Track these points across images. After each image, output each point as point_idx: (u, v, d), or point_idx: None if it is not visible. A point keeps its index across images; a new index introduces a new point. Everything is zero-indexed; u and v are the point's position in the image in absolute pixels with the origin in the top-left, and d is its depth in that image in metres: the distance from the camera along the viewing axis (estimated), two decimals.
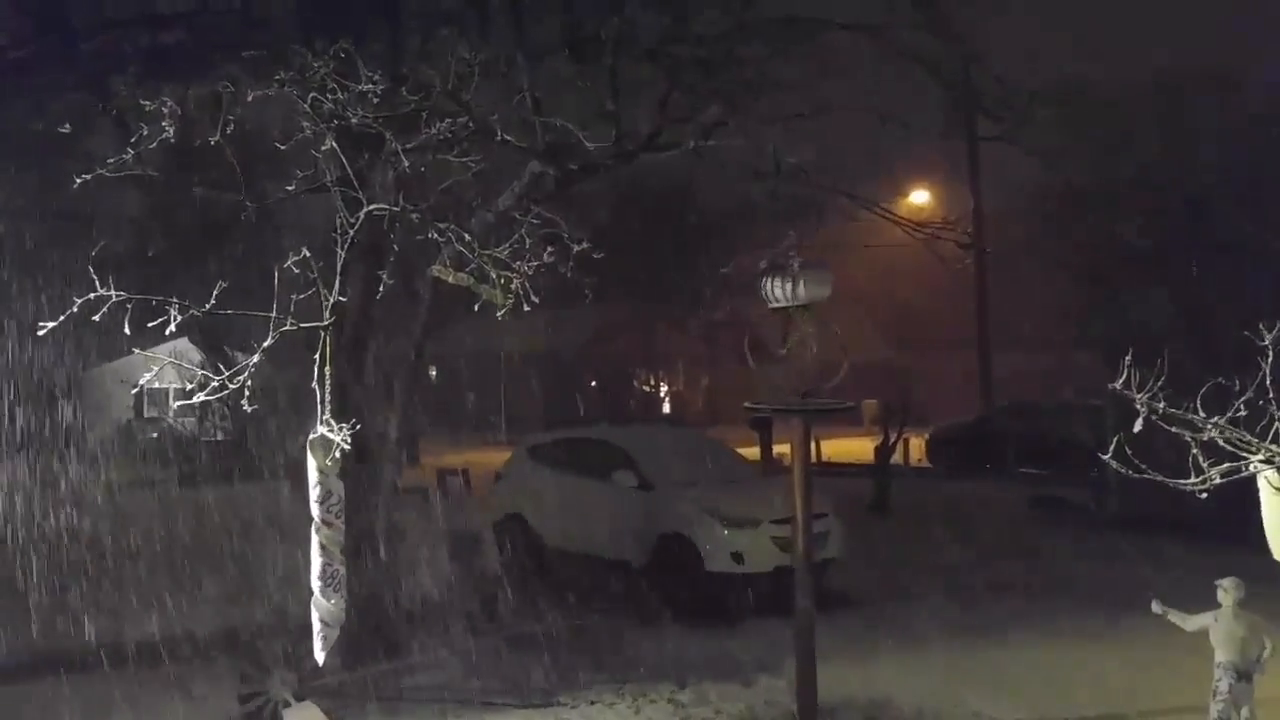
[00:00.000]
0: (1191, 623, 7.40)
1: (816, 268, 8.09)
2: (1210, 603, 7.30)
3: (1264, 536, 5.93)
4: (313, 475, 6.71)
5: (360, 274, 9.39)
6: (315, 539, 6.81)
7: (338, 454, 6.58)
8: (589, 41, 10.44)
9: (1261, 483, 5.75)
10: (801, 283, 7.97)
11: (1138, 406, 5.60)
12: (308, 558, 6.93)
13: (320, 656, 6.86)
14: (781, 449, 19.44)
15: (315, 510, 6.74)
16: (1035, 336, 33.02)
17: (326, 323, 6.77)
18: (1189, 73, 21.15)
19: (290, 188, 8.74)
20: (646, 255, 35.88)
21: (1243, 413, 5.55)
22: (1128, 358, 5.69)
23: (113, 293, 6.34)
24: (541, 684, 9.67)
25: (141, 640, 10.71)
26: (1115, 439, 5.68)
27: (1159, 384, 5.64)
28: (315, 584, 6.79)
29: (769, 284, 8.09)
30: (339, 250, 7.14)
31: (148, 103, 7.99)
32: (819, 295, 8.06)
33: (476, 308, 9.36)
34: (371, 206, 7.69)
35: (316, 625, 6.86)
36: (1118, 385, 5.69)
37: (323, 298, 6.83)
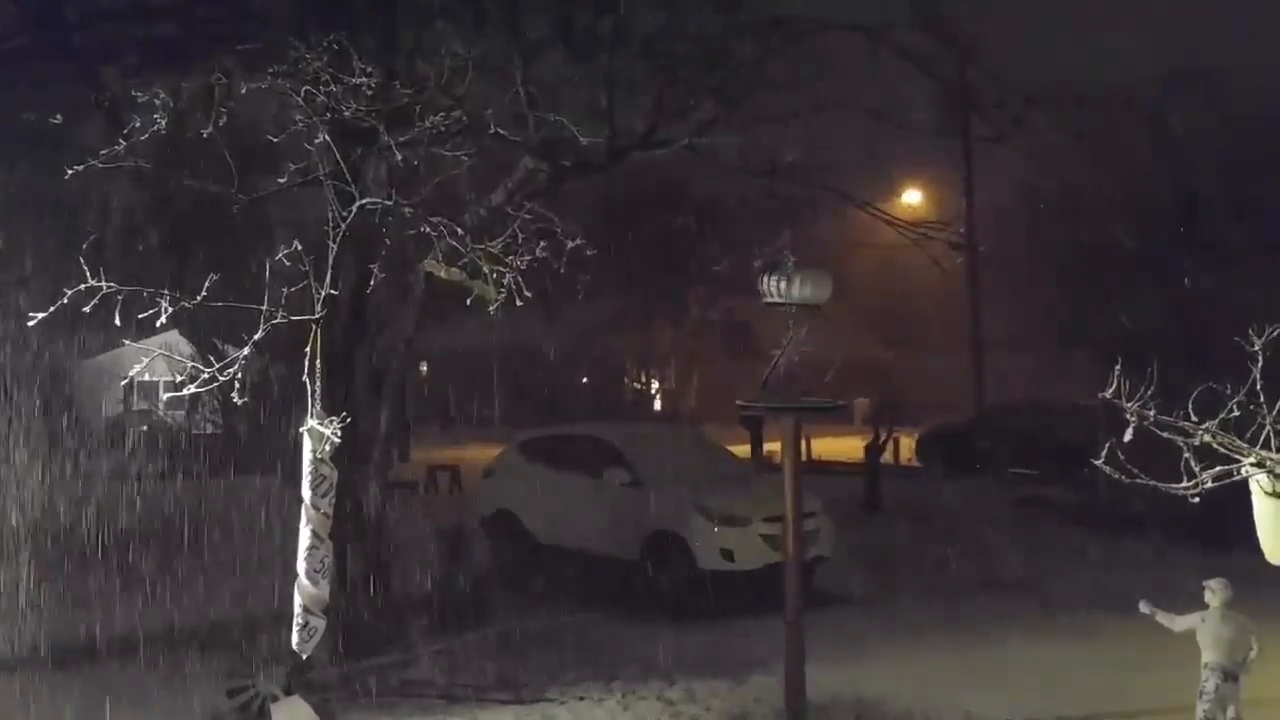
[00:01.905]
0: (1179, 623, 7.41)
1: (817, 270, 8.09)
2: (1198, 603, 7.32)
3: (1253, 538, 5.94)
4: (307, 460, 6.69)
5: (352, 268, 9.37)
6: (305, 524, 6.78)
7: (328, 447, 6.57)
8: (584, 38, 10.43)
9: (1253, 486, 5.76)
10: (800, 283, 7.97)
11: (1128, 416, 5.62)
12: (296, 552, 6.91)
13: (298, 641, 6.81)
14: (772, 447, 19.45)
15: (306, 495, 6.72)
16: (1027, 337, 33.06)
17: (318, 316, 6.76)
18: (1182, 73, 21.17)
19: (282, 180, 8.72)
20: (639, 252, 35.86)
21: (1235, 414, 5.56)
22: (1118, 367, 5.69)
23: (103, 284, 6.32)
24: (531, 680, 9.66)
25: (130, 634, 10.69)
26: (1107, 444, 5.69)
27: (1149, 391, 5.64)
28: (301, 567, 6.76)
29: (768, 282, 8.09)
30: (331, 244, 7.12)
31: (140, 94, 7.97)
32: (818, 298, 8.06)
33: (469, 303, 9.35)
34: (364, 200, 7.68)
35: (298, 610, 6.82)
36: (1108, 394, 5.70)
37: (314, 291, 6.82)
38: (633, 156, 10.53)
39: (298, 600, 6.77)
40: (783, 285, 8.00)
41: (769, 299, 8.13)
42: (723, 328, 39.03)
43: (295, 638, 6.79)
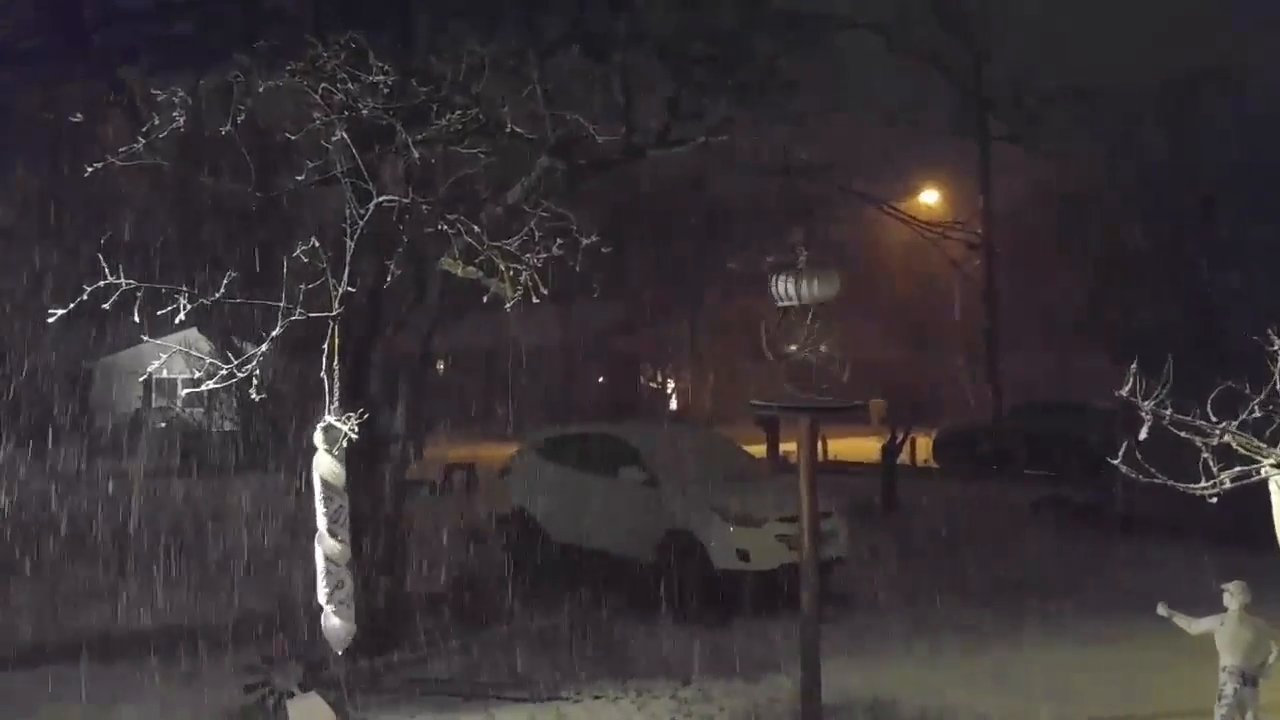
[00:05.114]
0: (1197, 626, 7.37)
1: (825, 268, 8.06)
2: (1217, 606, 7.28)
3: (1272, 539, 5.90)
4: (318, 485, 6.67)
5: (370, 266, 9.39)
6: (319, 551, 6.77)
7: (344, 443, 6.58)
8: (600, 37, 10.44)
9: (1273, 487, 5.73)
10: (810, 282, 7.95)
11: (1143, 414, 5.59)
12: (312, 548, 6.93)
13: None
14: (788, 447, 19.41)
15: (321, 521, 6.70)
16: (1045, 337, 32.94)
17: (335, 313, 6.78)
18: (1198, 73, 21.08)
19: (301, 178, 8.75)
20: (655, 251, 35.85)
21: (1256, 414, 5.53)
22: (1134, 366, 5.66)
23: (122, 281, 6.35)
24: (545, 678, 9.67)
25: (147, 629, 10.74)
26: (1124, 444, 5.66)
27: (1166, 389, 5.62)
28: (322, 598, 6.78)
29: (777, 282, 8.07)
30: (348, 241, 7.15)
31: (159, 93, 8.01)
32: (827, 295, 8.04)
33: (485, 301, 9.37)
34: (382, 198, 7.70)
35: (332, 638, 6.88)
36: (1124, 392, 5.67)
37: (332, 289, 6.84)
38: (649, 155, 10.52)
39: (329, 627, 6.83)
40: (791, 286, 7.98)
41: (780, 302, 8.11)
42: (738, 327, 38.96)
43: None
